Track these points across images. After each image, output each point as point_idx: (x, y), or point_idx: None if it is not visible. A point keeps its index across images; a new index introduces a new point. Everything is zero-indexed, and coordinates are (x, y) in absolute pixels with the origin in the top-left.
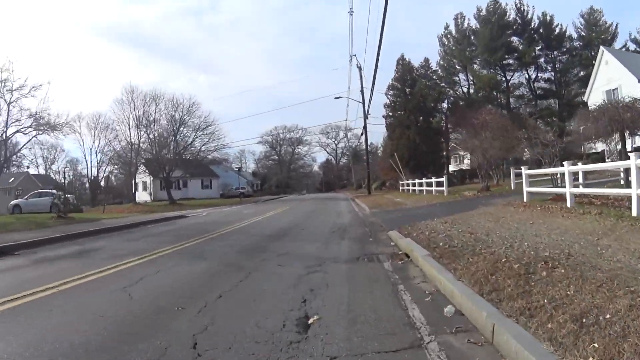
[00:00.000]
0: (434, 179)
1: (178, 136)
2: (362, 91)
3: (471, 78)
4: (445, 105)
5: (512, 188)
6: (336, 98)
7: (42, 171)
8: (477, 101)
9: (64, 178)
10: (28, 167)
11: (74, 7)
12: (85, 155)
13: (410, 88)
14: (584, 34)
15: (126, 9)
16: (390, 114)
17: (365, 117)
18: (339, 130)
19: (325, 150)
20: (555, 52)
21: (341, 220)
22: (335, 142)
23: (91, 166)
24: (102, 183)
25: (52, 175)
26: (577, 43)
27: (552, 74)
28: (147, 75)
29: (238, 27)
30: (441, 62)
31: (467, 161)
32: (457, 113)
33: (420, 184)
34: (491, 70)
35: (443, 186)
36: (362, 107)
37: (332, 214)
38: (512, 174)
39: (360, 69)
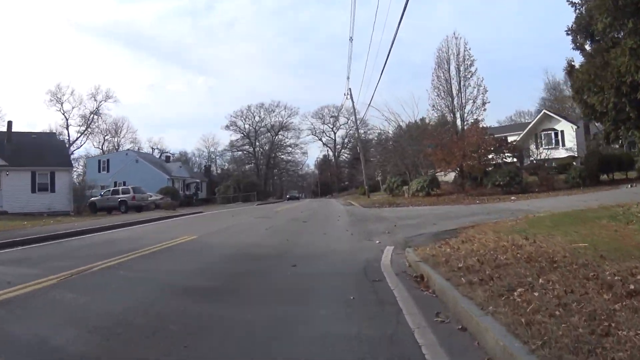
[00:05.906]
0: None
1: None
2: None
3: None
4: None
5: None
6: None
7: None
8: None
9: None
10: None
11: (68, 6)
12: None
13: None
14: None
15: (122, 9)
16: None
17: None
18: (338, 114)
19: (320, 139)
20: None
21: None
22: (334, 129)
23: None
24: None
25: None
26: None
27: None
28: (145, 76)
29: (234, 29)
30: None
31: None
32: None
33: None
34: None
35: None
36: None
37: None
38: None
39: None
